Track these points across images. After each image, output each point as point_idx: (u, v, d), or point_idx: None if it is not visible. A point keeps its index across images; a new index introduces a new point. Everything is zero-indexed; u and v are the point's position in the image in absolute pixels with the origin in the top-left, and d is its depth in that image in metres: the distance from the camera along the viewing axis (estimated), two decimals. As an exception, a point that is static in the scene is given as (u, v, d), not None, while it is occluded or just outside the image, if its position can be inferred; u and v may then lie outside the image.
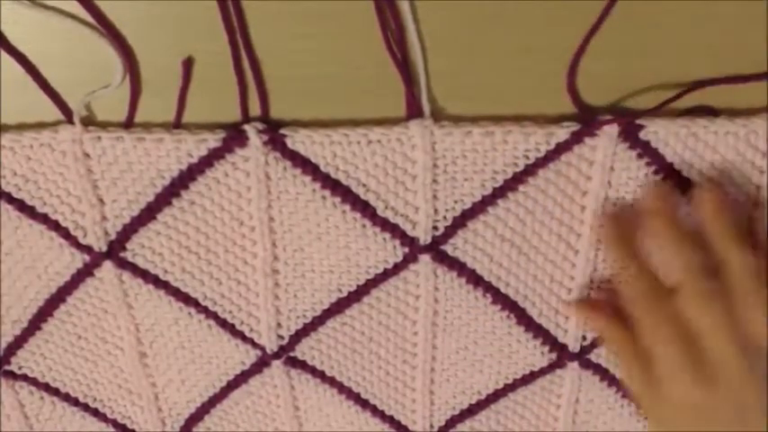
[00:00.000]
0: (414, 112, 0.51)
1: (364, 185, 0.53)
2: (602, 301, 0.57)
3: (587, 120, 0.51)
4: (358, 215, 0.54)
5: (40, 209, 0.55)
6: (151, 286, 0.58)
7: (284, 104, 0.51)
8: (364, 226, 0.55)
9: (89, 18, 0.47)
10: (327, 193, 0.53)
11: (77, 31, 0.48)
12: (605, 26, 0.47)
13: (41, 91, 0.50)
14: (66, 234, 0.55)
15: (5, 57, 0.49)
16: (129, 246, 0.56)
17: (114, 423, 0.66)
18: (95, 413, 0.66)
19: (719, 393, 0.51)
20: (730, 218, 0.51)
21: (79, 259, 0.56)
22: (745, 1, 0.47)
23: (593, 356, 0.61)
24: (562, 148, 0.51)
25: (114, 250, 0.56)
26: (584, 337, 0.60)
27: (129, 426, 0.66)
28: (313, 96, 0.50)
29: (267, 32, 0.48)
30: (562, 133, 0.51)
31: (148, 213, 0.54)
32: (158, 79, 0.50)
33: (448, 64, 0.49)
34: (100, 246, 0.56)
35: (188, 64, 0.49)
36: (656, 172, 0.52)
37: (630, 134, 0.51)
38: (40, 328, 0.61)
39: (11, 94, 0.50)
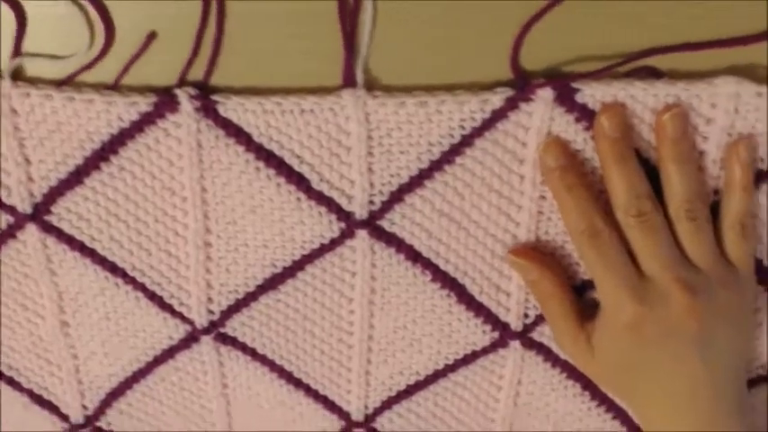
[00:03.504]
0: (349, 81, 0.57)
1: (299, 157, 0.60)
2: (537, 251, 0.64)
3: (522, 85, 0.57)
4: (293, 188, 0.61)
5: (-38, 165, 0.61)
6: (77, 253, 0.64)
7: (231, 73, 0.58)
8: (299, 199, 0.61)
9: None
10: (261, 164, 0.60)
11: None
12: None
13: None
14: (-12, 192, 0.62)
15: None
16: (54, 209, 0.62)
17: (30, 393, 0.73)
18: (10, 381, 0.72)
19: (654, 314, 0.59)
20: (685, 144, 0.59)
21: (2, 219, 0.63)
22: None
23: (535, 335, 0.68)
24: (497, 116, 0.58)
25: (39, 213, 0.63)
26: (526, 315, 0.67)
27: (46, 397, 0.73)
28: (258, 63, 0.58)
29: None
30: (496, 100, 0.57)
31: (76, 177, 0.61)
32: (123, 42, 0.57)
33: (391, 33, 0.56)
34: (24, 207, 0.62)
35: (150, 37, 0.56)
36: (594, 136, 0.59)
37: (567, 98, 0.57)
38: (-45, 291, 0.67)
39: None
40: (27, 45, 0.57)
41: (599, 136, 0.59)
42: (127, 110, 0.58)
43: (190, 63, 0.57)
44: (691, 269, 0.60)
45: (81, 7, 0.56)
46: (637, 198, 0.58)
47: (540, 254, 0.64)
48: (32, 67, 0.58)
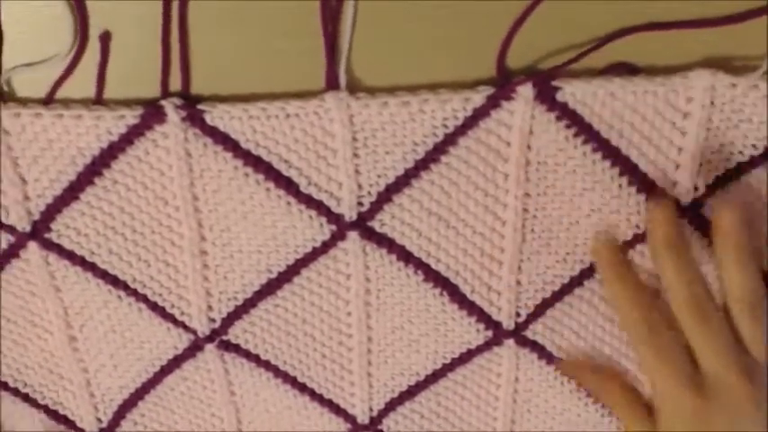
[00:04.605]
0: (332, 84, 0.55)
1: (286, 161, 0.58)
2: (586, 360, 0.65)
3: (503, 83, 0.55)
4: (282, 192, 0.59)
5: (-39, 188, 0.59)
6: (78, 268, 0.62)
7: (210, 80, 0.56)
8: (289, 203, 0.59)
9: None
10: (250, 170, 0.58)
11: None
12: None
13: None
14: (-13, 214, 0.60)
15: None
16: (53, 226, 0.60)
17: (45, 409, 0.70)
18: (26, 398, 0.70)
19: (716, 405, 0.56)
20: (740, 237, 0.56)
21: (3, 240, 0.61)
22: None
23: (529, 333, 0.65)
24: (480, 114, 0.56)
25: (39, 231, 0.61)
26: (518, 314, 0.64)
27: (61, 411, 0.71)
28: (237, 70, 0.56)
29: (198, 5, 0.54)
30: (478, 98, 0.55)
31: (71, 193, 0.59)
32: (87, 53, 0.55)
33: (374, 34, 0.54)
34: (23, 226, 0.60)
35: (105, 38, 0.54)
36: (576, 135, 0.56)
37: (547, 96, 0.55)
38: (-34, 312, 0.65)
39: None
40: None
41: (651, 234, 0.58)
42: (115, 123, 0.56)
43: (166, 72, 0.55)
44: (747, 356, 0.57)
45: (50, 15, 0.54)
46: (694, 290, 0.56)
47: (590, 362, 0.65)
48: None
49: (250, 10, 0.53)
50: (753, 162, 0.57)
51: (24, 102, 0.56)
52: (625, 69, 0.56)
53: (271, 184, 0.59)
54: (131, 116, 0.56)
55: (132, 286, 0.64)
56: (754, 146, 0.57)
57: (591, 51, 0.54)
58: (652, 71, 0.55)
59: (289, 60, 0.55)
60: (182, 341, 0.66)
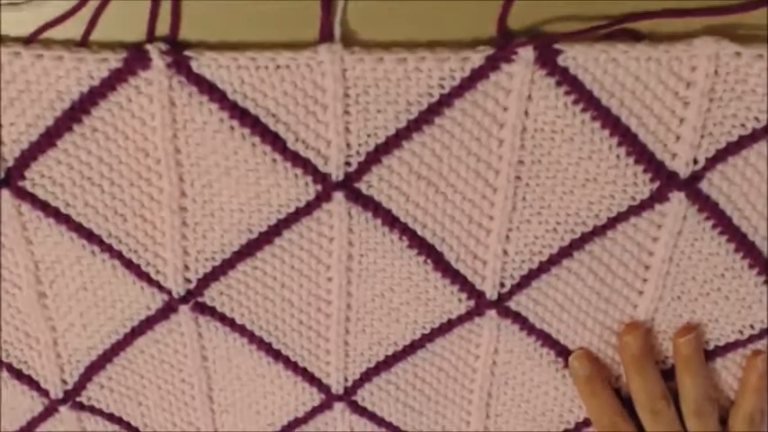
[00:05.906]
0: (326, 36, 0.52)
1: (274, 115, 0.54)
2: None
3: (503, 44, 0.52)
4: (268, 148, 0.55)
5: (-71, 129, 0.55)
6: (52, 220, 0.58)
7: (199, 26, 0.52)
8: (275, 160, 0.56)
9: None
10: (235, 122, 0.54)
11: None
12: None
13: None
14: (-42, 158, 0.56)
15: None
16: (27, 174, 0.56)
17: (9, 367, 0.67)
18: None
19: None
20: (697, 360, 0.64)
21: (-27, 186, 0.57)
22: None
23: (512, 304, 0.62)
24: (477, 76, 0.52)
25: (12, 178, 0.57)
26: (502, 285, 0.61)
27: (25, 371, 0.67)
28: (228, 18, 0.52)
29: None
30: (477, 58, 0.52)
31: (48, 139, 0.55)
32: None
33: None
34: (-4, 171, 0.56)
35: None
36: (575, 102, 0.53)
37: (548, 60, 0.52)
38: (-70, 262, 0.61)
39: None
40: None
41: (623, 351, 0.64)
42: (97, 67, 0.52)
43: (153, 16, 0.51)
44: None
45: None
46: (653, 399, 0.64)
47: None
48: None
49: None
50: (754, 135, 0.54)
51: (3, 40, 0.52)
52: (628, 35, 0.53)
53: (256, 139, 0.55)
54: (114, 60, 0.52)
55: (107, 241, 0.60)
56: (756, 118, 0.54)
57: (600, 29, 0.52)
58: (654, 37, 0.53)
59: (282, 10, 0.52)
60: (155, 301, 0.63)
